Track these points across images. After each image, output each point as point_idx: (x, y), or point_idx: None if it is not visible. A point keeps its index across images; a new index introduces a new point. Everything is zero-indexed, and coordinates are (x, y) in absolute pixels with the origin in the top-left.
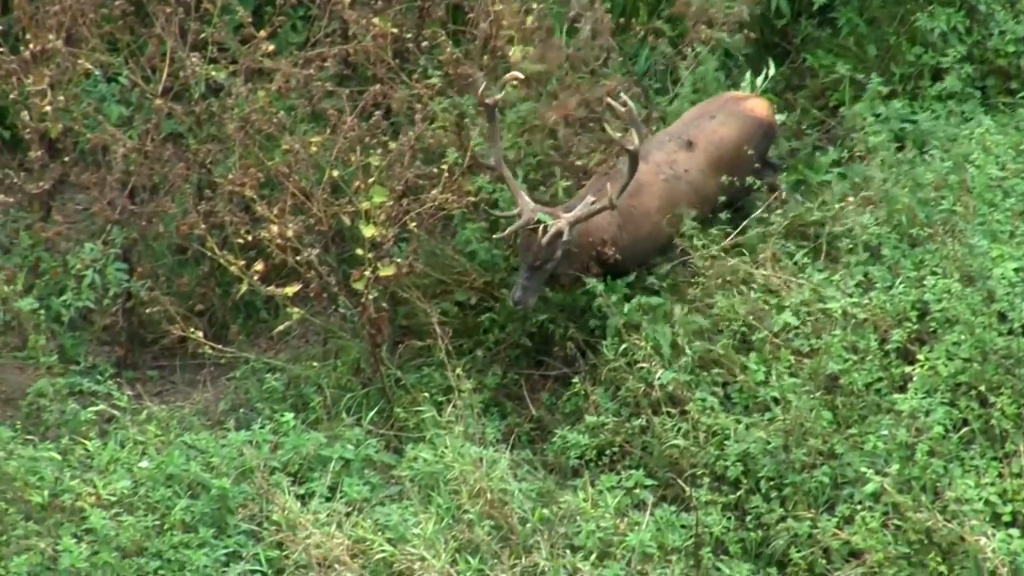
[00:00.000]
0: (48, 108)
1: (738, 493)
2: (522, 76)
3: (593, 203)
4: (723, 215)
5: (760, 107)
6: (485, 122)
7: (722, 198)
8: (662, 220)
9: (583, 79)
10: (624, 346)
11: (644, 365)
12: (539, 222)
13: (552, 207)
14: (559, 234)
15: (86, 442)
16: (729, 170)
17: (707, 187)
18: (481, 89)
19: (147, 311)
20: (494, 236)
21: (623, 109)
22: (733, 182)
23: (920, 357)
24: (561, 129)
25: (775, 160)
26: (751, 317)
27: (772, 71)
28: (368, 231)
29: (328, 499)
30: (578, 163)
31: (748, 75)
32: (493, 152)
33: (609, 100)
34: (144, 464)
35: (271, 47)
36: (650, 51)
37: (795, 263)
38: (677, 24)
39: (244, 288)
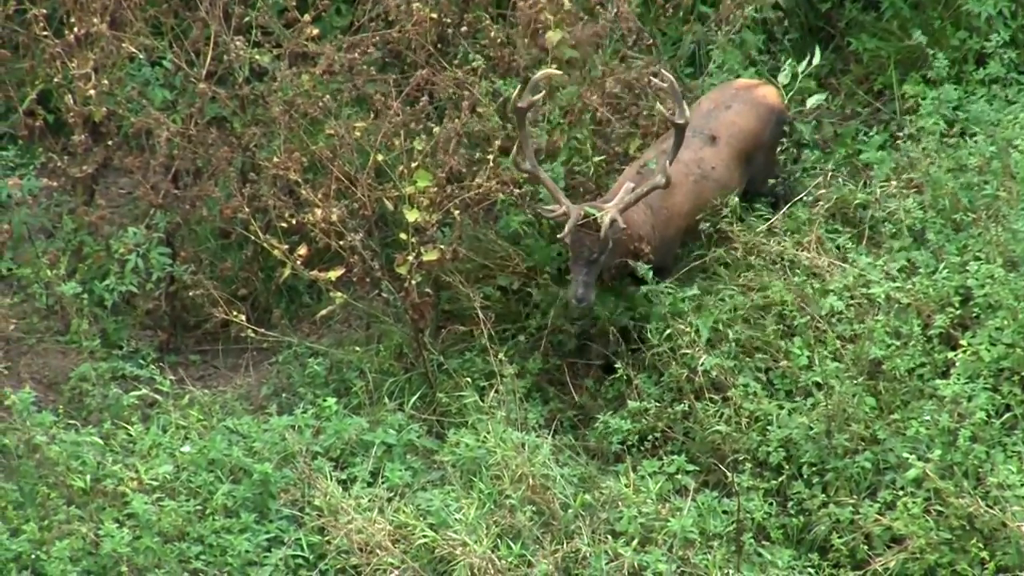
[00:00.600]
0: (92, 92)
1: (780, 479)
2: (557, 72)
3: (634, 189)
4: (765, 199)
5: (772, 94)
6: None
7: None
8: (692, 220)
9: (613, 62)
10: (668, 332)
11: (687, 351)
12: (588, 215)
13: (589, 201)
14: (613, 222)
15: (128, 427)
16: (749, 160)
17: (732, 181)
18: (515, 92)
19: (190, 295)
20: (557, 236)
21: (665, 85)
22: (752, 172)
23: (963, 342)
24: (600, 112)
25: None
26: (797, 301)
27: (818, 57)
28: (412, 216)
29: (370, 484)
30: (617, 149)
31: (790, 61)
32: (528, 156)
33: (652, 78)
34: (186, 449)
35: (315, 31)
36: (691, 36)
37: (838, 247)
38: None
39: (287, 272)
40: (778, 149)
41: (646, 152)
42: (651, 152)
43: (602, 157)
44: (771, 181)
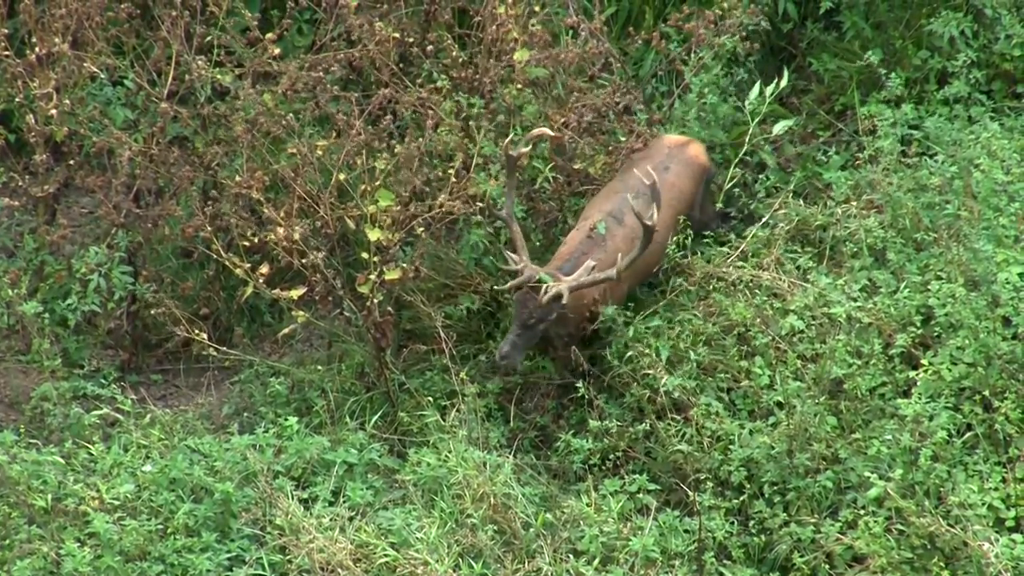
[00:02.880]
0: (54, 111)
1: (742, 498)
2: (551, 133)
3: (594, 269)
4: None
5: (702, 152)
6: (504, 173)
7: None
8: (632, 282)
9: (584, 83)
10: (629, 354)
11: (649, 372)
12: (540, 281)
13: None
14: (558, 297)
15: (90, 446)
16: (688, 216)
17: (664, 241)
18: (507, 141)
19: (151, 313)
20: (494, 287)
21: (648, 183)
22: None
23: (924, 362)
24: (565, 133)
25: (727, 209)
26: (757, 321)
27: (785, 81)
28: (374, 235)
29: (331, 503)
30: (576, 167)
31: (758, 84)
32: (507, 205)
33: (637, 172)
34: (147, 468)
35: (277, 50)
36: (655, 56)
37: (798, 267)
38: (682, 30)
39: (249, 291)
40: (708, 202)
41: (588, 206)
42: (594, 209)
43: (556, 176)
44: (708, 229)
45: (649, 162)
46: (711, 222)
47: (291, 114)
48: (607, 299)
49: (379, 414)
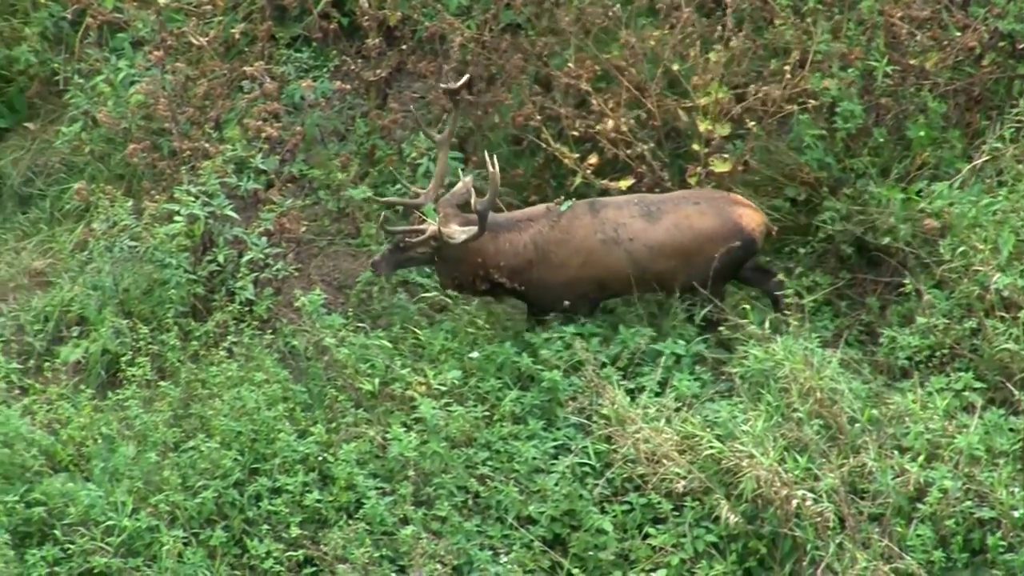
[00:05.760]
0: None
1: None
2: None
3: (469, 232)
4: None
5: (751, 218)
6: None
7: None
8: (582, 277)
9: None
10: (962, 248)
11: (980, 268)
12: (425, 215)
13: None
14: (423, 235)
15: (417, 331)
16: (686, 260)
17: (654, 265)
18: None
19: None
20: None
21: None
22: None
23: None
24: (898, 25)
25: (771, 267)
26: None
27: None
28: (704, 126)
29: (658, 394)
30: (912, 63)
31: None
32: (446, 132)
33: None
34: (474, 355)
35: None
36: None
37: None
38: None
39: (578, 181)
40: (724, 274)
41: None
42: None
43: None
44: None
45: (688, 194)
46: (714, 291)
47: (621, 4)
48: (535, 275)
49: (706, 309)
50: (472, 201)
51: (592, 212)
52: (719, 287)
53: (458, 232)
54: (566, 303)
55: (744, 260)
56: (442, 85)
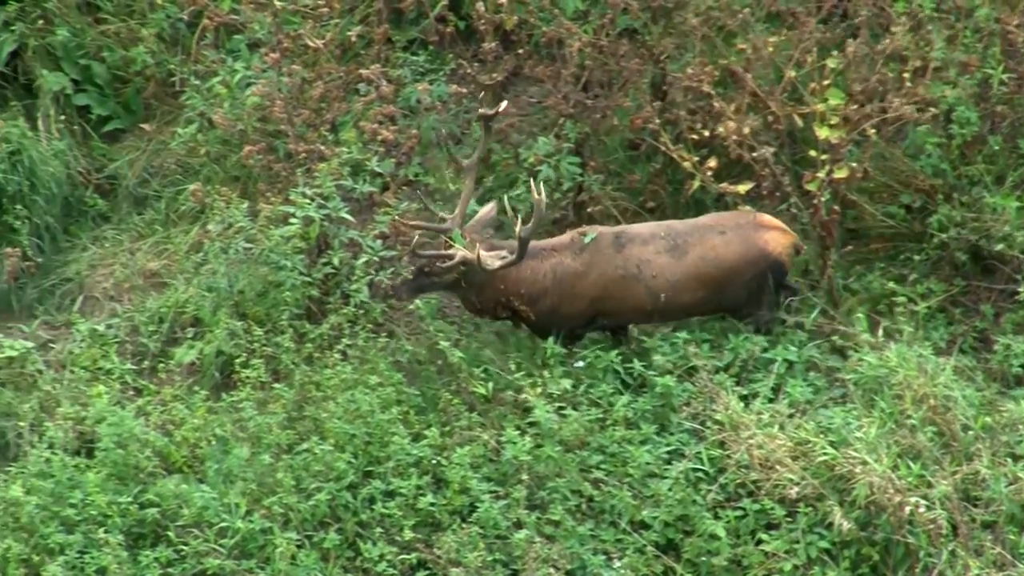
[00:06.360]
0: (503, 0)
1: None
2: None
3: (504, 259)
4: None
5: (776, 241)
6: None
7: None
8: (593, 308)
9: None
10: None
11: None
12: (454, 241)
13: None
14: (453, 261)
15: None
16: (716, 290)
17: (679, 297)
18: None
19: (595, 208)
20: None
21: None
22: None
23: None
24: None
25: (793, 284)
26: None
27: None
28: (823, 132)
29: (771, 400)
30: None
31: None
32: (473, 157)
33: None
34: (579, 364)
35: None
36: None
37: None
38: None
39: (696, 185)
40: (763, 297)
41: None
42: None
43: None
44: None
45: (713, 220)
46: (759, 319)
47: (745, 8)
48: (547, 304)
49: (817, 311)
50: (517, 229)
51: (616, 246)
52: (754, 307)
53: (493, 258)
54: (567, 328)
55: (777, 281)
56: (480, 111)
